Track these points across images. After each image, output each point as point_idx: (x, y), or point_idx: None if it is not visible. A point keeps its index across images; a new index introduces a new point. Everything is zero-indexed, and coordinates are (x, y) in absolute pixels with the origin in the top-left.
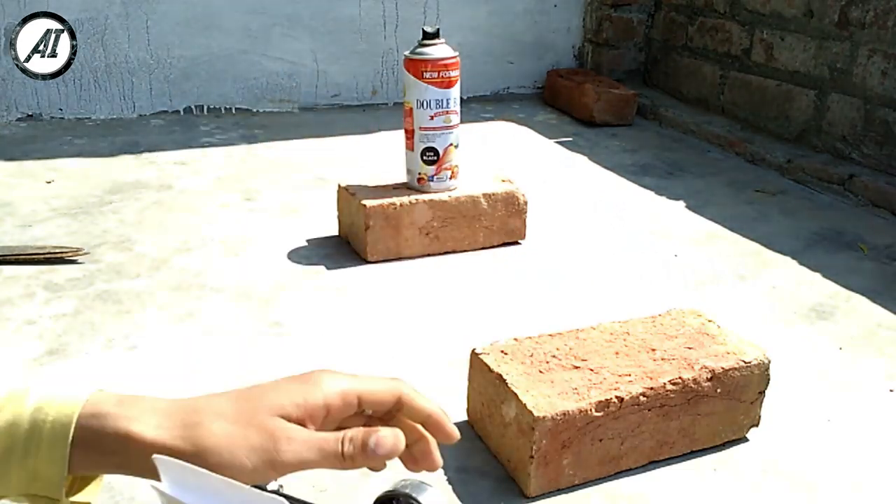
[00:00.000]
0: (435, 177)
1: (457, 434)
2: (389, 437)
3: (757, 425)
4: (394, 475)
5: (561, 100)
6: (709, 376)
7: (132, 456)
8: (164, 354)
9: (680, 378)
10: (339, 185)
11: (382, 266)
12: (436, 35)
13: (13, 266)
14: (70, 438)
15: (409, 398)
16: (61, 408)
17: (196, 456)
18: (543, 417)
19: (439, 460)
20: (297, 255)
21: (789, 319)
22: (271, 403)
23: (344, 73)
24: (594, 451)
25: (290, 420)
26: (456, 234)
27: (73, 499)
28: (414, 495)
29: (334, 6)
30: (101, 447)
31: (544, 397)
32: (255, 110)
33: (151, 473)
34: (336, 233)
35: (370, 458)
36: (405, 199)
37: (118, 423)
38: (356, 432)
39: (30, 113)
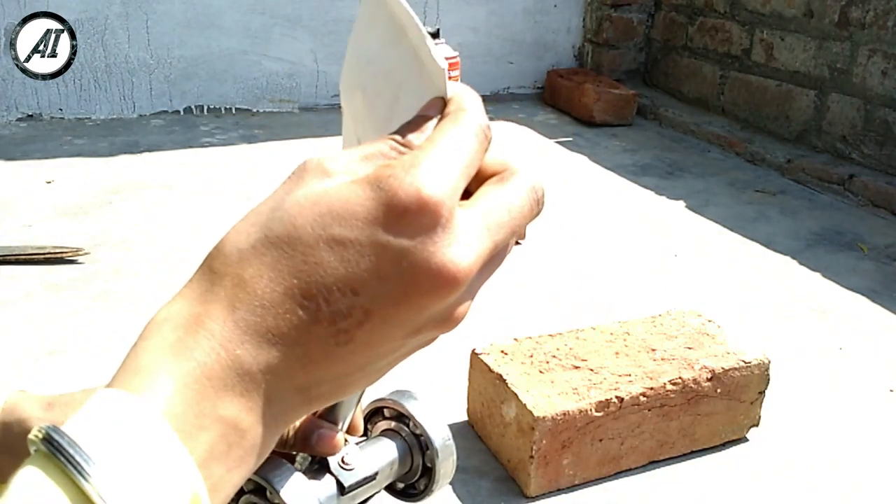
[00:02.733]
0: None
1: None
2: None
3: (757, 425)
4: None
5: (561, 100)
6: (709, 376)
7: None
8: None
9: (680, 378)
10: None
11: None
12: (436, 35)
13: (13, 266)
14: None
15: None
16: None
17: None
18: (543, 417)
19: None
20: None
21: (789, 319)
22: None
23: None
24: (594, 451)
25: None
26: None
27: None
28: (402, 402)
29: (334, 6)
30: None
31: (544, 397)
32: (255, 110)
33: None
34: None
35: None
36: None
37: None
38: None
39: (30, 113)
